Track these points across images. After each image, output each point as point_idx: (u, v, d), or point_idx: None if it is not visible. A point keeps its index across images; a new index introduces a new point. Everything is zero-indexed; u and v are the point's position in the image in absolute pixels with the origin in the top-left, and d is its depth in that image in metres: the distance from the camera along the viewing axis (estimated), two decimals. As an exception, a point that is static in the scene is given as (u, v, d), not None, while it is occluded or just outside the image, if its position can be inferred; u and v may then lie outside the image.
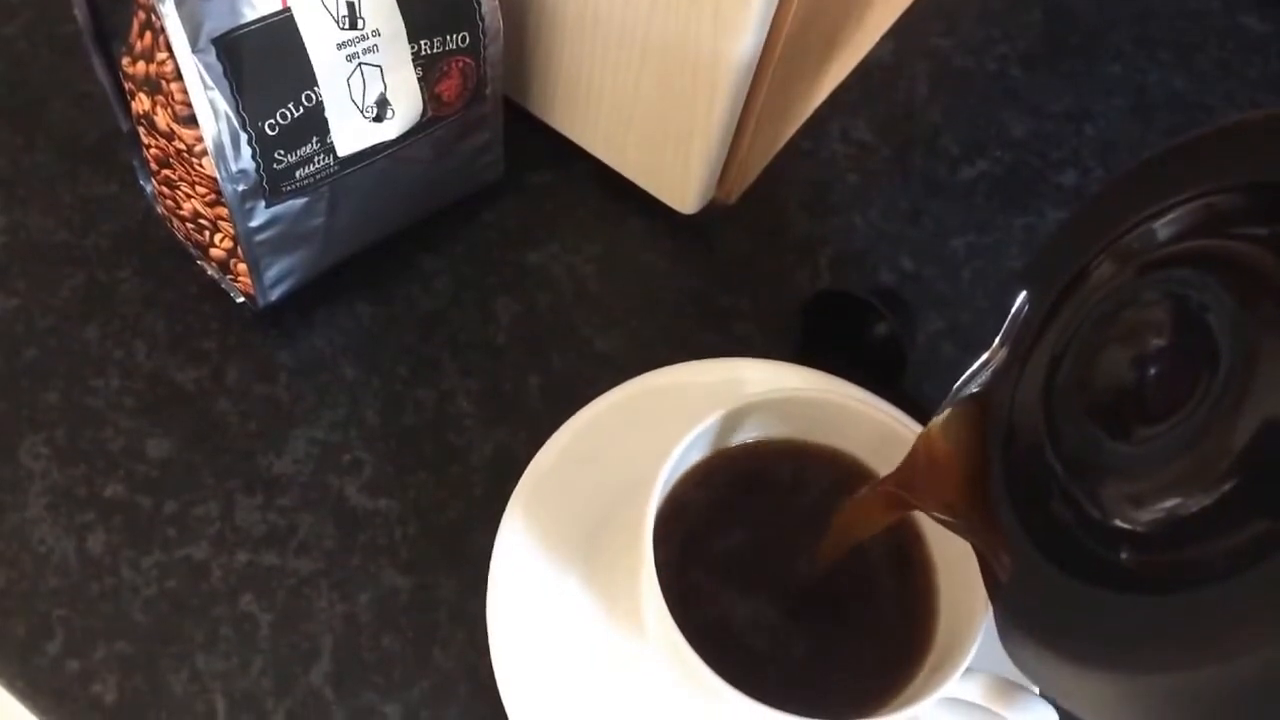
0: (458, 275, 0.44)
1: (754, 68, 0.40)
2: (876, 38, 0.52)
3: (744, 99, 0.41)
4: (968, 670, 0.31)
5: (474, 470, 0.40)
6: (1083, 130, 0.51)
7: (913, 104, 0.51)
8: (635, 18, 0.39)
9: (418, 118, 0.39)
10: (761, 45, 0.39)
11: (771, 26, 0.38)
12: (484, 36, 0.39)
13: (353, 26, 0.36)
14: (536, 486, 0.38)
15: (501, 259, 0.44)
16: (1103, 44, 0.53)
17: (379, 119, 0.38)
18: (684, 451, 0.33)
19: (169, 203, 0.40)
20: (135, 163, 0.42)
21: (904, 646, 0.33)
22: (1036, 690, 0.31)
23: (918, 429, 0.39)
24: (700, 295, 0.45)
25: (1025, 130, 0.50)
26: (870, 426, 0.35)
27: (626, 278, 0.45)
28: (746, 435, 0.35)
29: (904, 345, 0.41)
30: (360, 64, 0.37)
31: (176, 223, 0.41)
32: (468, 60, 0.39)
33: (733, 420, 0.35)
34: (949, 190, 0.49)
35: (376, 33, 0.36)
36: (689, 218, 0.45)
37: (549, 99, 0.45)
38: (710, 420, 0.33)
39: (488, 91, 0.41)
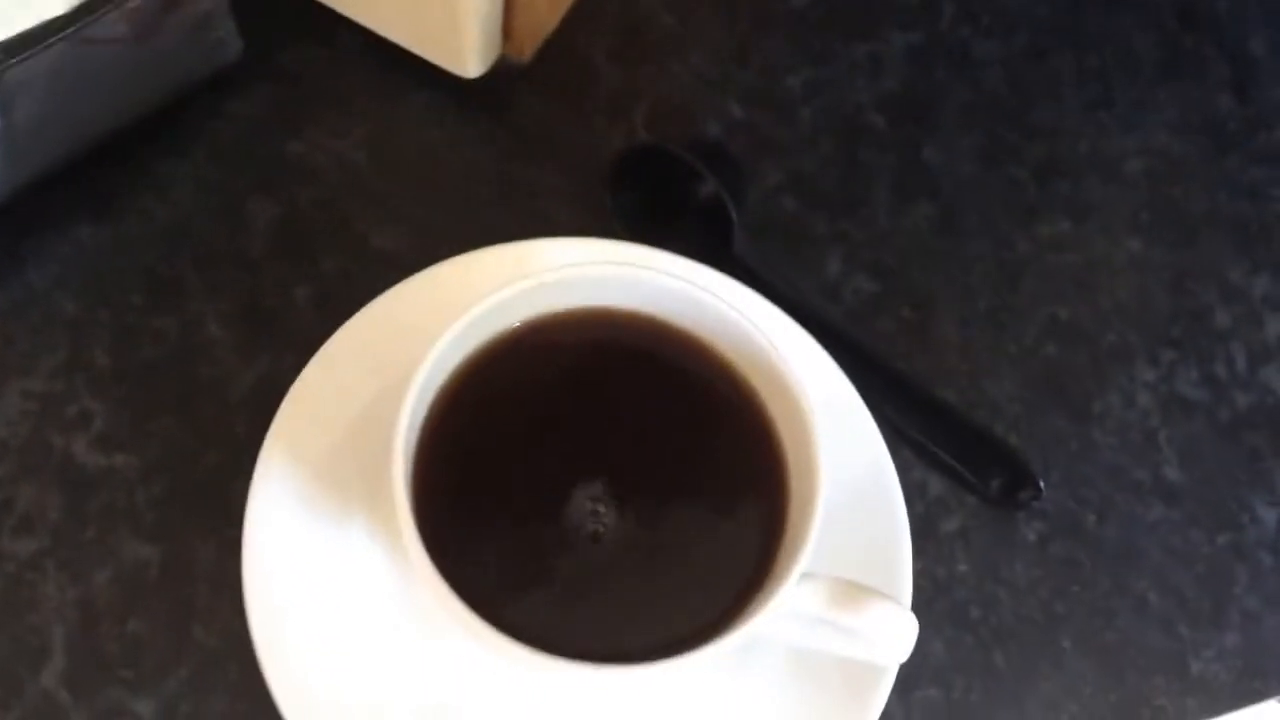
0: (201, 179, 0.37)
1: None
2: None
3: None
4: (805, 576, 0.26)
5: (232, 409, 0.33)
6: (928, -62, 0.44)
7: (732, -75, 0.44)
8: None
9: (90, -17, 0.31)
10: None
11: None
12: None
13: None
14: (300, 415, 0.31)
15: (252, 154, 0.37)
16: None
17: (28, -14, 0.30)
18: (446, 351, 0.27)
19: None
20: None
21: (746, 550, 0.27)
22: (893, 595, 0.26)
23: (743, 297, 0.33)
24: (495, 172, 0.38)
25: (862, -56, 0.44)
26: (682, 298, 0.29)
27: (406, 160, 0.38)
28: (539, 311, 0.29)
29: (728, 206, 0.35)
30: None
31: None
32: (145, -97, 0.31)
33: (516, 307, 0.29)
34: (779, 21, 0.42)
35: None
36: (476, 83, 0.38)
37: (285, -46, 0.38)
38: (476, 311, 0.27)
39: (188, -55, 0.33)
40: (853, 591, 0.26)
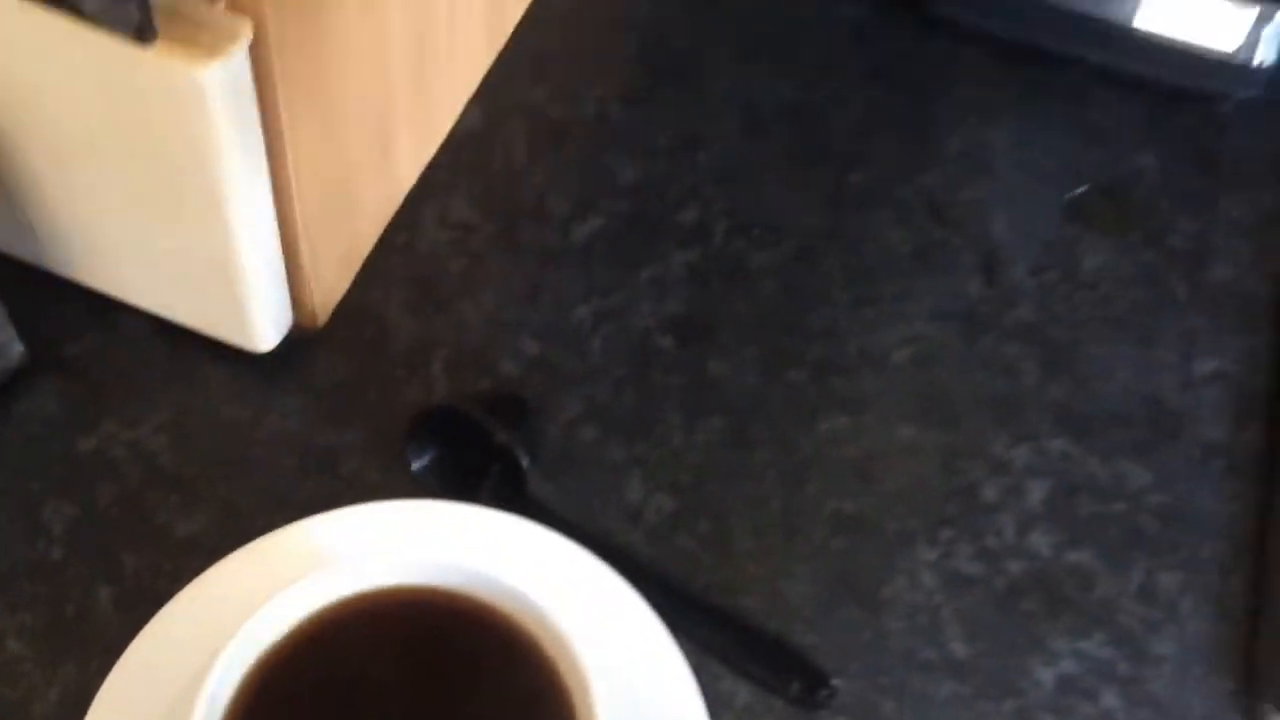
0: (-8, 487, 0.37)
1: (261, 170, 0.34)
2: (461, 104, 0.48)
3: (267, 209, 0.36)
4: None
5: (36, 730, 0.33)
6: (696, 160, 0.48)
7: (512, 169, 0.47)
8: (89, 139, 0.33)
9: None
10: (260, 143, 0.33)
11: (263, 119, 0.33)
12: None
13: None
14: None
15: (45, 455, 0.37)
16: (702, 65, 0.51)
17: None
18: (216, 686, 0.28)
19: None
20: None
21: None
22: None
23: (542, 540, 0.35)
24: (298, 440, 0.39)
25: (636, 174, 0.47)
26: (455, 570, 0.30)
27: (207, 440, 0.39)
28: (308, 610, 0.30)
29: (516, 455, 0.37)
30: None
31: None
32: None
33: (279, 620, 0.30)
34: (565, 257, 0.45)
35: None
36: (275, 353, 0.40)
37: (62, 248, 0.38)
38: (232, 646, 0.28)
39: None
40: None
